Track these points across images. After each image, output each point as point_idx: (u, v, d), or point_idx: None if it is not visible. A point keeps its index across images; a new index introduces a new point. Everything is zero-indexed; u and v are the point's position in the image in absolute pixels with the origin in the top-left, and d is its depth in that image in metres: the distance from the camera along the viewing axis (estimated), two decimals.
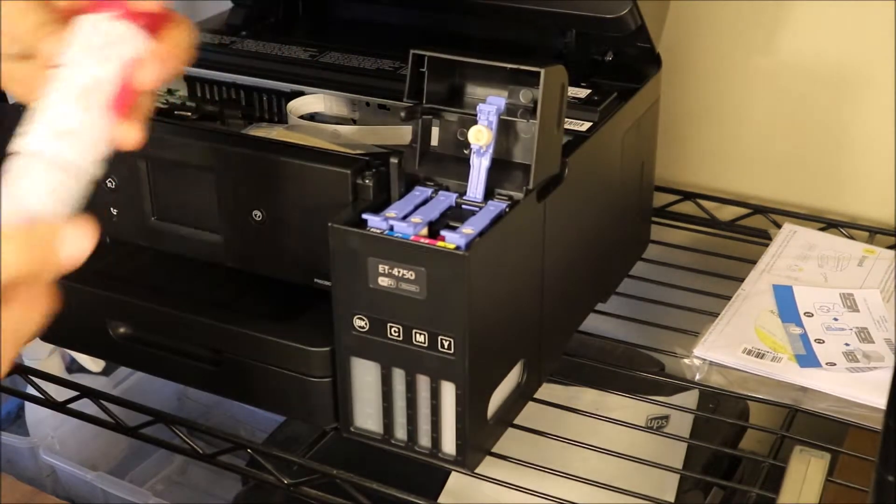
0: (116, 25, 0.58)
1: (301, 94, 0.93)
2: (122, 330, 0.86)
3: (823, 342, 0.87)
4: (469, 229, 0.70)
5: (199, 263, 0.84)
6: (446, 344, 0.70)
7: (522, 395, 0.82)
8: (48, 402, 0.93)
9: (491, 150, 0.73)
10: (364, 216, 0.71)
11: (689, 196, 1.14)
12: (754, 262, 0.99)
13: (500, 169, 0.75)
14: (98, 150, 0.57)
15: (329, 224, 0.71)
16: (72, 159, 0.55)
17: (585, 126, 0.85)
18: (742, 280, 0.96)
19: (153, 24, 0.59)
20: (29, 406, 1.28)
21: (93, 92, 0.56)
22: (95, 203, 0.85)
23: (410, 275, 0.69)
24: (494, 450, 0.79)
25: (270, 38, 0.99)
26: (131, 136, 0.59)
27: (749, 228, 1.10)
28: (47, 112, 0.56)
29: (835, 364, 0.85)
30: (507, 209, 0.73)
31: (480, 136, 0.72)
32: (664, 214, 1.13)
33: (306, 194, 0.76)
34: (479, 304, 0.70)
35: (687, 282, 1.01)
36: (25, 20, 0.59)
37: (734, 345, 0.87)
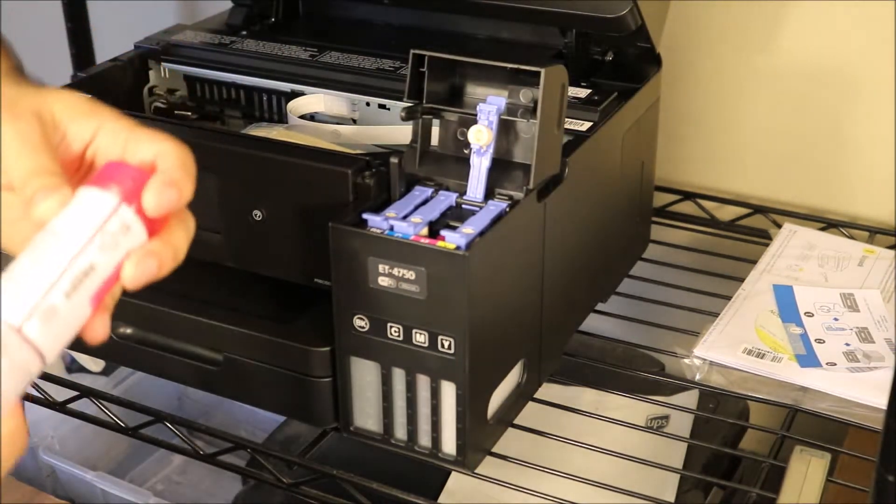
0: (126, 214, 0.54)
1: (301, 94, 0.93)
2: (122, 330, 0.86)
3: (824, 342, 0.87)
4: (469, 229, 0.70)
5: (199, 263, 0.84)
6: (446, 344, 0.70)
7: (522, 395, 0.82)
8: (48, 402, 0.93)
9: (491, 150, 0.73)
10: (364, 216, 0.71)
11: (689, 196, 1.14)
12: (754, 262, 0.99)
13: (501, 169, 0.75)
14: (69, 338, 0.53)
15: (329, 224, 0.71)
16: (44, 345, 0.51)
17: (585, 126, 0.85)
18: (742, 280, 0.96)
19: (159, 220, 0.56)
20: (29, 406, 1.27)
21: (87, 280, 0.53)
22: None
23: (410, 275, 0.69)
24: (494, 450, 0.79)
25: (270, 38, 0.99)
26: (100, 330, 0.55)
27: (749, 228, 1.10)
28: (37, 284, 0.51)
29: (835, 364, 0.85)
30: (508, 209, 0.73)
31: (480, 136, 0.72)
32: (664, 214, 1.13)
33: (306, 194, 0.76)
34: (479, 304, 0.70)
35: (687, 282, 1.01)
36: (23, 159, 0.54)
37: (734, 345, 0.87)
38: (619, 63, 0.95)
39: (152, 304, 0.84)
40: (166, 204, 0.55)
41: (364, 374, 0.75)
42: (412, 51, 0.75)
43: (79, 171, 0.58)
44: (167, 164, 0.57)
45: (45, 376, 0.95)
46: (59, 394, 0.94)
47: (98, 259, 0.53)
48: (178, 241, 0.58)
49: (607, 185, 0.92)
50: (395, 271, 0.70)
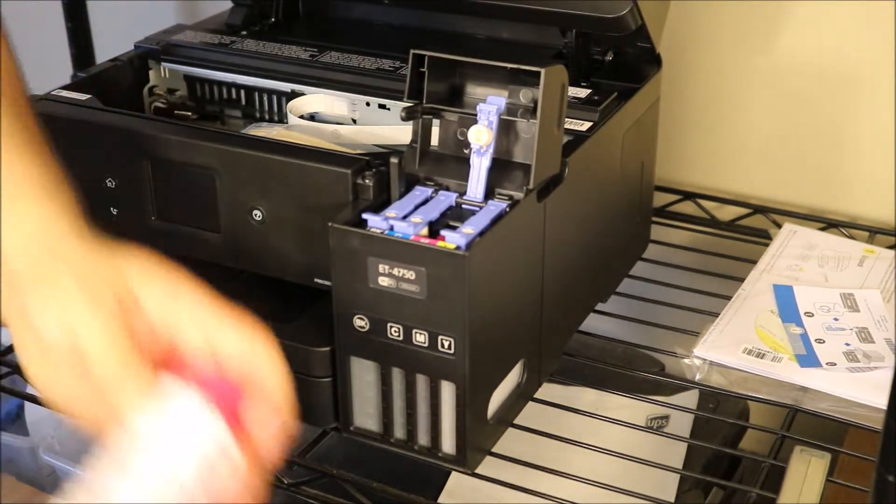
0: (223, 437, 0.52)
1: (301, 94, 0.93)
2: None
3: (824, 342, 0.87)
4: (469, 229, 0.70)
5: (199, 263, 0.84)
6: (446, 344, 0.70)
7: (522, 395, 0.82)
8: None
9: (491, 150, 0.73)
10: (364, 216, 0.71)
11: (689, 196, 1.14)
12: (754, 262, 0.99)
13: (501, 169, 0.75)
14: None
15: (329, 224, 0.71)
16: None
17: (585, 126, 0.85)
18: (742, 280, 0.96)
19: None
20: (29, 406, 1.27)
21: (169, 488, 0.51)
22: (96, 203, 0.85)
23: (410, 275, 0.69)
24: (494, 450, 0.79)
25: (270, 38, 0.99)
26: None
27: (749, 228, 1.10)
28: None
29: (835, 364, 0.85)
30: (508, 209, 0.73)
31: (480, 136, 0.72)
32: (664, 214, 1.13)
33: (306, 194, 0.76)
34: (479, 304, 0.70)
35: (687, 282, 1.01)
36: (102, 342, 0.53)
37: (734, 345, 0.87)
38: (619, 63, 0.95)
39: None
40: (275, 433, 0.56)
41: (364, 374, 0.75)
42: (412, 51, 0.75)
43: (153, 345, 0.57)
44: (269, 381, 0.57)
45: None
46: None
47: (198, 491, 0.51)
48: (271, 456, 0.57)
49: (607, 185, 0.92)
50: (395, 271, 0.70)
